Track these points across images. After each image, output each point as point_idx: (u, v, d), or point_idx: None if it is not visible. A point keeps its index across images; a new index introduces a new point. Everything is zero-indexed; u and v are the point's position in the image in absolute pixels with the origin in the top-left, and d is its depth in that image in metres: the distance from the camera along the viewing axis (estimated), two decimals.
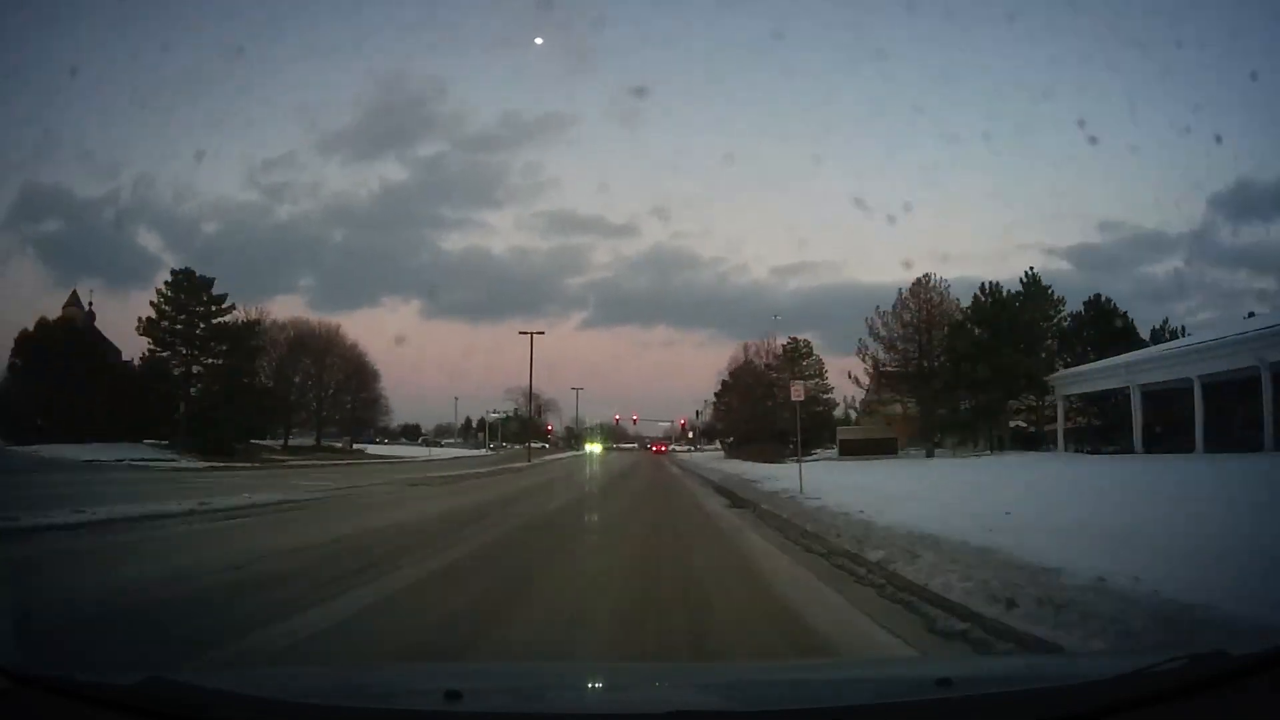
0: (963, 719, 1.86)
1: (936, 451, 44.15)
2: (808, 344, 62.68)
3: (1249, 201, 73.34)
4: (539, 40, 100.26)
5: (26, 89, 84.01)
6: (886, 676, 2.82)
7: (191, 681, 2.04)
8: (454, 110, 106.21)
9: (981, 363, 40.96)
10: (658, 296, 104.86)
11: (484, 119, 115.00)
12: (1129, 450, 32.73)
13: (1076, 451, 37.35)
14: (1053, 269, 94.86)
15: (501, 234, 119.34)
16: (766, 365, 60.63)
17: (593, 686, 2.69)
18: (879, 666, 3.67)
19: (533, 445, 71.09)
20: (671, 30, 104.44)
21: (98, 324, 53.23)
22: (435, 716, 1.95)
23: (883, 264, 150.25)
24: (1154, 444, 32.29)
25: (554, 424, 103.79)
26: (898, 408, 50.96)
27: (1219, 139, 66.69)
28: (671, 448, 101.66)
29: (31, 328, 47.86)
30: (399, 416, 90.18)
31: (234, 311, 50.77)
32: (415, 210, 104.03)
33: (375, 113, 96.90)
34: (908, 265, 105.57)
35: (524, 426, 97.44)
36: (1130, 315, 47.67)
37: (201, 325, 49.32)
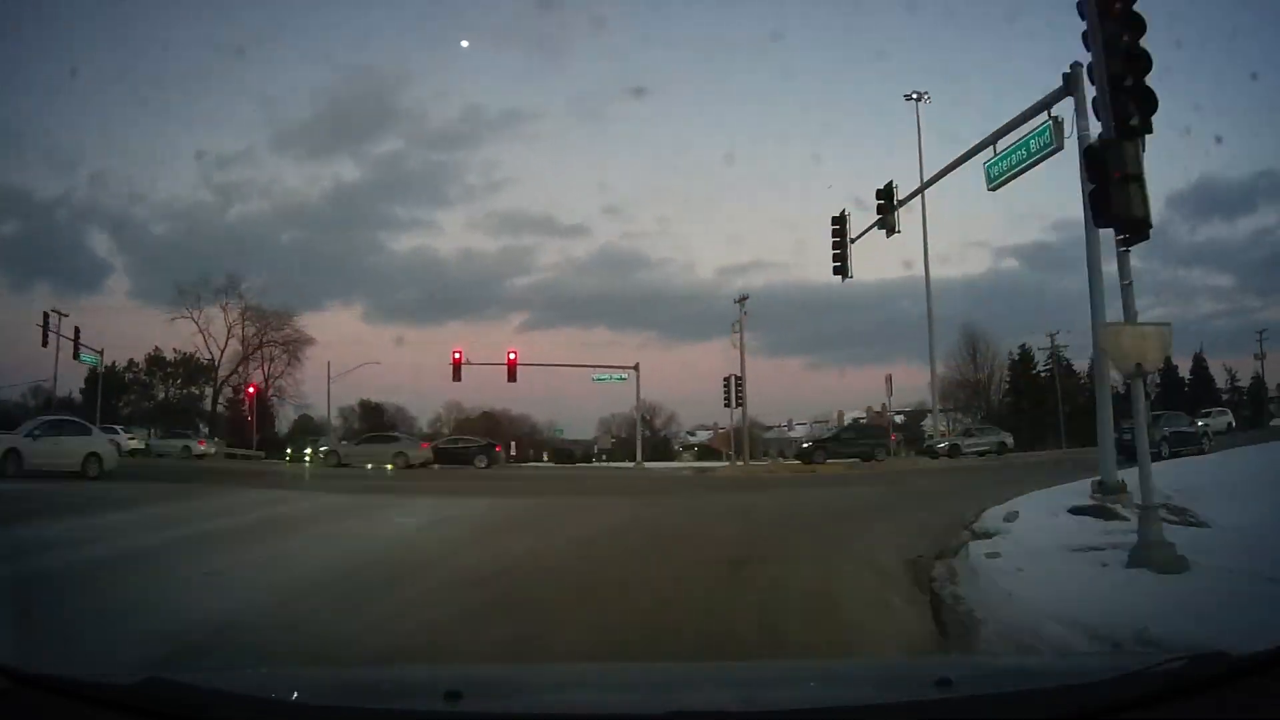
0: (963, 719, 1.86)
1: None
2: None
3: (1209, 200, 74.08)
4: (465, 43, 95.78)
5: None
6: (886, 676, 2.82)
7: (191, 681, 2.04)
8: (411, 107, 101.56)
9: None
10: (601, 298, 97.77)
11: (443, 116, 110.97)
12: None
13: None
14: (1002, 268, 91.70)
15: (450, 234, 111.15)
16: None
17: (593, 686, 2.68)
18: (879, 666, 3.68)
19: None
20: (663, 29, 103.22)
21: None
22: (435, 716, 1.95)
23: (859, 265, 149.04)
24: None
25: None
26: None
27: (1219, 139, 65.58)
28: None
29: None
30: None
31: None
32: (367, 210, 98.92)
33: (335, 108, 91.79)
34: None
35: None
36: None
37: None
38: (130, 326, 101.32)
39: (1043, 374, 64.25)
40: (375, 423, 58.64)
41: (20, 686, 1.92)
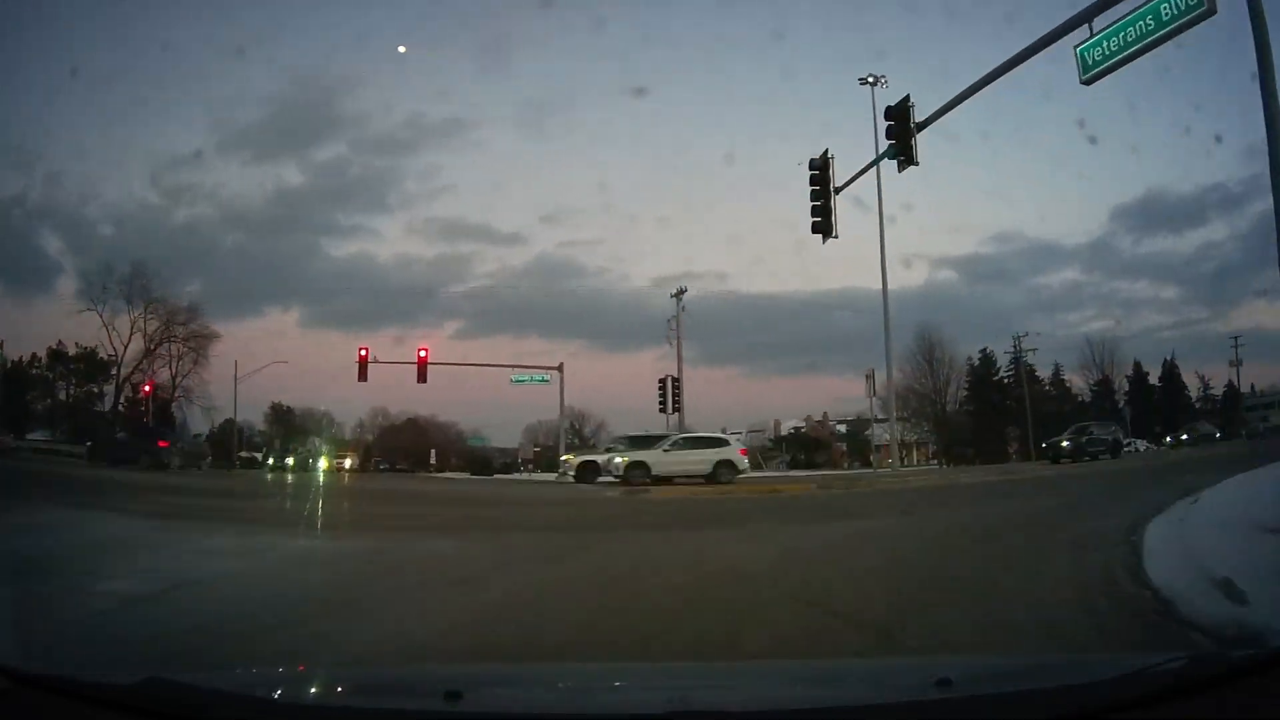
0: (963, 719, 1.87)
1: None
2: None
3: (1156, 213, 74.75)
4: (402, 49, 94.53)
5: None
6: (886, 676, 2.82)
7: (191, 681, 2.04)
8: (357, 112, 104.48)
9: None
10: (536, 306, 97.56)
11: (386, 122, 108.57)
12: None
13: None
14: (939, 279, 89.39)
15: (389, 240, 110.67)
16: None
17: (593, 686, 2.68)
18: (879, 666, 3.69)
19: None
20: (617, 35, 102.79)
21: None
22: (435, 716, 1.95)
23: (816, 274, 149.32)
24: None
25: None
26: None
27: (1219, 139, 64.96)
28: None
29: None
30: None
31: None
32: (308, 214, 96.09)
33: (284, 113, 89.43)
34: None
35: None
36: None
37: None
38: (60, 325, 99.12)
39: (1006, 380, 61.75)
40: (287, 426, 56.54)
41: (20, 686, 1.92)
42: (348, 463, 51.58)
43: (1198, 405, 65.28)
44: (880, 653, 4.95)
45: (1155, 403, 60.83)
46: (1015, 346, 59.32)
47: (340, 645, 5.38)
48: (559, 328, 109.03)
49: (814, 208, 19.25)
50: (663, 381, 41.15)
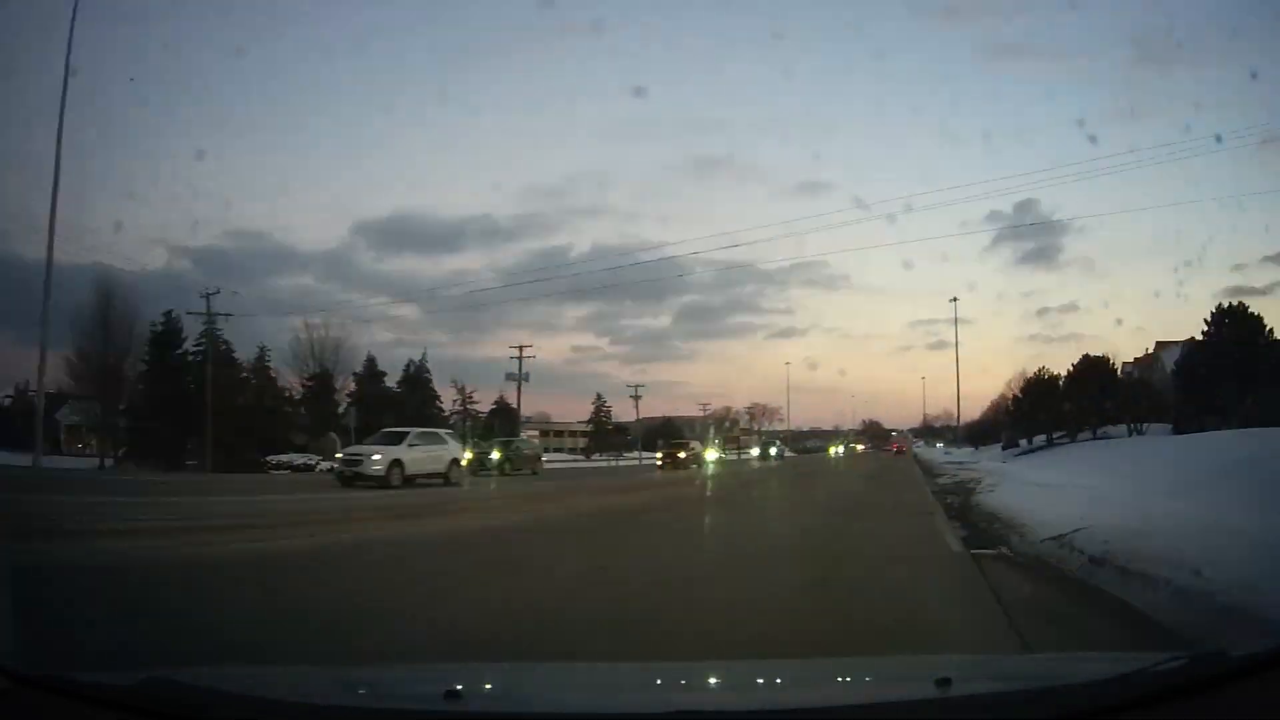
0: (963, 719, 1.86)
1: None
2: None
3: (405, 234, 78.65)
4: None
5: None
6: (886, 676, 2.80)
7: (191, 681, 2.03)
8: None
9: None
10: None
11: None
12: None
13: None
14: (176, 268, 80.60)
15: None
16: None
17: (593, 686, 2.68)
18: (878, 666, 3.66)
19: None
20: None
21: None
22: (435, 716, 1.94)
23: None
24: None
25: None
26: None
27: (1219, 139, 66.93)
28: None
29: None
30: None
31: None
32: None
33: None
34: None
35: None
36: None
37: None
38: None
39: (191, 356, 49.03)
40: None
41: (20, 686, 1.92)
42: None
43: (450, 417, 62.36)
44: (880, 652, 5.02)
45: (393, 405, 51.54)
46: (207, 306, 44.74)
47: None
48: None
49: None
50: None
